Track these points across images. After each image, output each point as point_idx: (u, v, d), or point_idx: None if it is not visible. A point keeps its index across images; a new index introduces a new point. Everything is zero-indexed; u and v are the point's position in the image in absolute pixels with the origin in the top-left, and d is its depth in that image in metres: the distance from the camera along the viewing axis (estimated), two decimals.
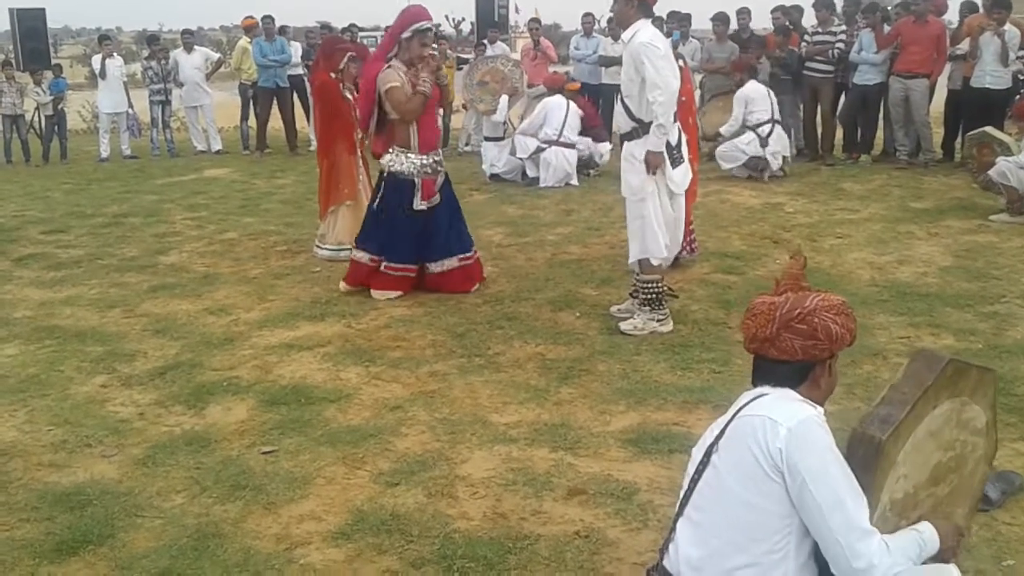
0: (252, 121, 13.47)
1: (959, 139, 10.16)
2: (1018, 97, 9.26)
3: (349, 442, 3.88)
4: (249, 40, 13.21)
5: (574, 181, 9.93)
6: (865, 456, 2.12)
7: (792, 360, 2.21)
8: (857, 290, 5.79)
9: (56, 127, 13.36)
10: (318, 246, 7.11)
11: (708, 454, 2.26)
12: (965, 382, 2.31)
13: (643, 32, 4.92)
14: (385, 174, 5.82)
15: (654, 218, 5.04)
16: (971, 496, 2.50)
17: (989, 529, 3.09)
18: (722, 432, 2.24)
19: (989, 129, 8.14)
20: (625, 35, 5.02)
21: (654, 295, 5.12)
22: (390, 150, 5.78)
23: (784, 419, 2.10)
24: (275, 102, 13.03)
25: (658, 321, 5.13)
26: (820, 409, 2.18)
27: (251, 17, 13.31)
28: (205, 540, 3.17)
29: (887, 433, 2.13)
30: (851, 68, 10.40)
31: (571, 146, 9.93)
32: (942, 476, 2.34)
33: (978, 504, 2.62)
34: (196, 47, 13.88)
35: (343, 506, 3.38)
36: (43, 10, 14.74)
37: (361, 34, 15.37)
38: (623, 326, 5.19)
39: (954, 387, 2.28)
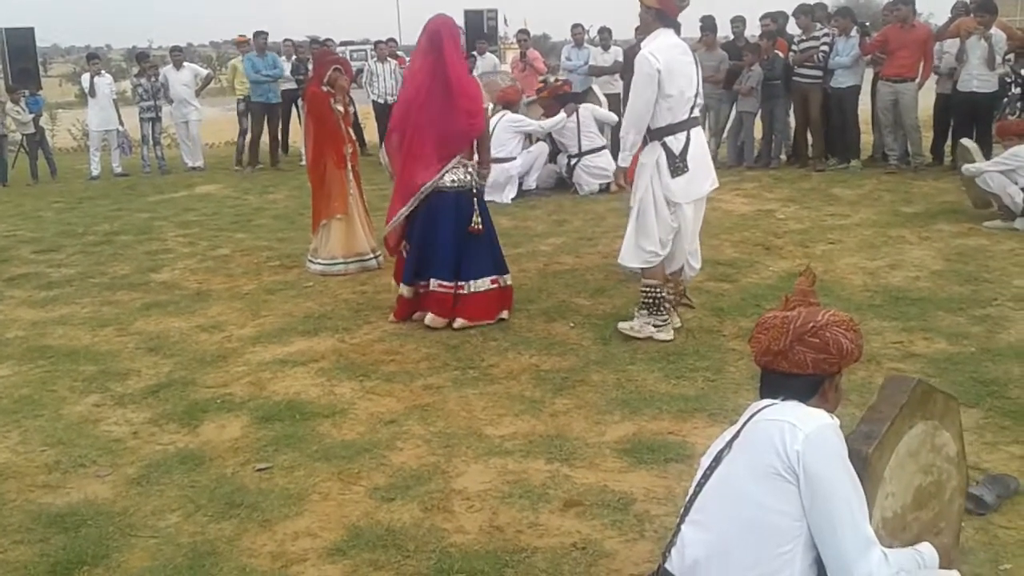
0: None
1: (949, 142, 10.24)
2: (1005, 99, 9.34)
3: (344, 457, 3.87)
4: (241, 58, 13.31)
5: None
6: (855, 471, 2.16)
7: (803, 373, 2.26)
8: (850, 295, 5.80)
9: (40, 144, 13.37)
10: (310, 260, 7.10)
11: (718, 459, 2.28)
12: (933, 405, 2.43)
13: (654, 42, 4.91)
14: (440, 191, 5.40)
15: (636, 228, 5.05)
16: (952, 528, 2.58)
17: (986, 533, 3.09)
18: (735, 437, 2.27)
19: (964, 141, 8.36)
20: (644, 43, 5.02)
21: (651, 299, 5.12)
22: (463, 164, 5.43)
23: (803, 424, 2.13)
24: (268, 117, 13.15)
25: (655, 327, 5.12)
26: (837, 420, 2.22)
27: (243, 35, 13.41)
28: (200, 559, 3.15)
29: (872, 447, 2.23)
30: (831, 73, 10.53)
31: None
32: (924, 501, 2.43)
33: (959, 539, 2.68)
34: (185, 63, 13.89)
35: (339, 522, 3.37)
36: (32, 29, 14.78)
37: (350, 48, 15.42)
38: (620, 325, 5.20)
39: (925, 408, 2.40)
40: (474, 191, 5.48)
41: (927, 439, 2.40)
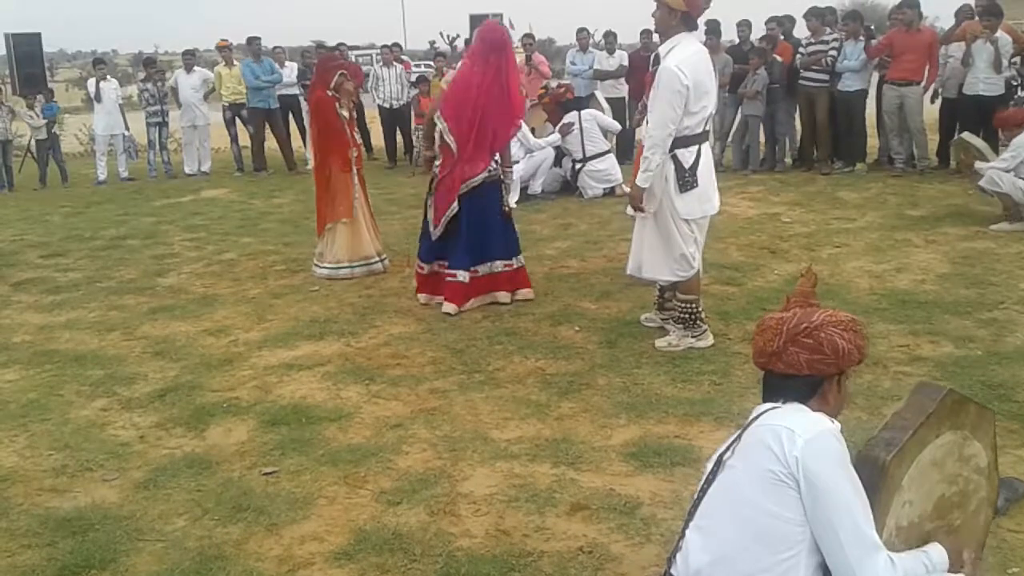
0: (244, 141, 13.58)
1: None
2: (1011, 102, 9.31)
3: (350, 461, 3.87)
4: (224, 64, 13.36)
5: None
6: (871, 477, 2.15)
7: (799, 374, 2.24)
8: (856, 299, 5.79)
9: (51, 150, 13.41)
10: (316, 265, 7.11)
11: (720, 464, 2.27)
12: (965, 416, 2.37)
13: (678, 52, 4.63)
14: (484, 182, 5.86)
15: (660, 240, 4.91)
16: (977, 539, 2.53)
17: (994, 537, 3.07)
18: (736, 441, 2.26)
19: (965, 135, 8.33)
20: (662, 48, 4.78)
21: (688, 314, 5.02)
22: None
23: (802, 429, 2.12)
24: (268, 123, 13.18)
25: (694, 337, 5.05)
26: (838, 424, 2.20)
27: (224, 40, 13.47)
28: (207, 563, 3.16)
29: (891, 454, 2.18)
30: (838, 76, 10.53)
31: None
32: (947, 510, 2.38)
33: (984, 549, 2.64)
34: (196, 68, 13.87)
35: (345, 526, 3.37)
36: (39, 35, 14.86)
37: (355, 52, 15.43)
38: (658, 343, 5.11)
39: (955, 419, 2.34)
40: (501, 178, 6.03)
41: (954, 449, 2.35)
